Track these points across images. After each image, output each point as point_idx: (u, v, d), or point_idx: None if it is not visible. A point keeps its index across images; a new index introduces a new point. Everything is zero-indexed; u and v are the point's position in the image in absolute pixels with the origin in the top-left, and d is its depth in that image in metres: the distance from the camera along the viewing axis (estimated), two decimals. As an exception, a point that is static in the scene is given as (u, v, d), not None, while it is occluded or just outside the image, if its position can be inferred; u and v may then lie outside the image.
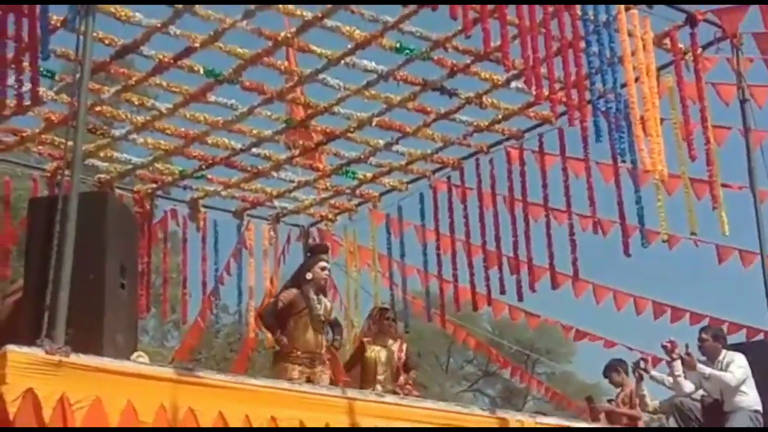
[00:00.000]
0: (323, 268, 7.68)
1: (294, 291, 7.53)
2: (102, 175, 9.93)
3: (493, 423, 5.74)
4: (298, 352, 7.31)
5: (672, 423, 8.06)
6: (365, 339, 8.52)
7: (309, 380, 7.08)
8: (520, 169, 9.64)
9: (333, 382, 7.55)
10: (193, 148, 9.43)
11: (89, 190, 8.33)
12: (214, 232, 10.87)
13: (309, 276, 7.55)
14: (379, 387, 8.02)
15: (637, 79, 7.58)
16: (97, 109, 8.53)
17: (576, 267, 9.14)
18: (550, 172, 9.47)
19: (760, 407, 7.84)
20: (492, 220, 9.88)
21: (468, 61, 8.25)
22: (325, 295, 7.80)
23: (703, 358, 8.09)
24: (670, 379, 8.13)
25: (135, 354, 5.78)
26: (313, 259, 7.81)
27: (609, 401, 9.44)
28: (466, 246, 10.18)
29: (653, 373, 8.28)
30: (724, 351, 8.09)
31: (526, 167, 9.62)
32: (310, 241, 10.13)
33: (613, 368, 9.42)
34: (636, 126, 7.48)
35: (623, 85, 7.81)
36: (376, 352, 8.28)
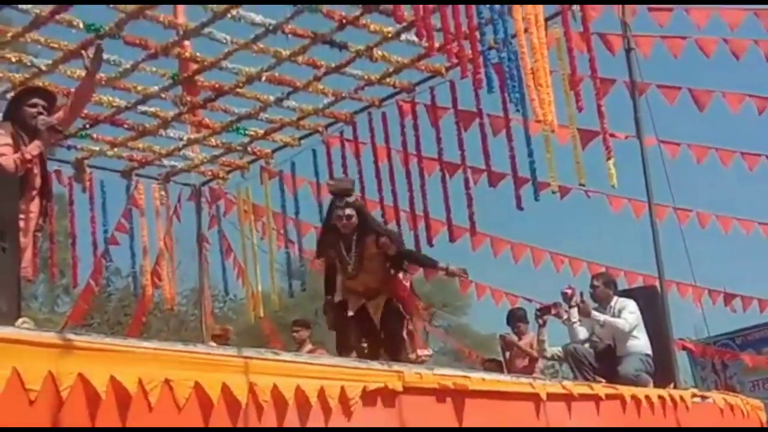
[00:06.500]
0: None
1: None
2: (-20, 137, 9.53)
3: (391, 376, 5.71)
4: None
5: (566, 368, 8.21)
6: None
7: None
8: (413, 122, 9.62)
9: None
10: (77, 106, 9.09)
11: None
12: (102, 193, 10.60)
13: None
14: None
15: (526, 30, 7.60)
16: (-26, 67, 8.18)
17: (473, 221, 9.18)
18: (442, 126, 9.48)
19: (650, 351, 8.05)
20: (387, 174, 9.87)
21: (357, 13, 8.13)
22: None
23: (596, 305, 8.25)
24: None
25: (20, 320, 5.55)
26: None
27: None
28: (362, 201, 10.12)
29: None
30: (615, 297, 8.26)
31: (418, 121, 9.61)
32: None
33: (519, 317, 9.59)
34: (527, 77, 7.50)
35: (513, 36, 7.83)
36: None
